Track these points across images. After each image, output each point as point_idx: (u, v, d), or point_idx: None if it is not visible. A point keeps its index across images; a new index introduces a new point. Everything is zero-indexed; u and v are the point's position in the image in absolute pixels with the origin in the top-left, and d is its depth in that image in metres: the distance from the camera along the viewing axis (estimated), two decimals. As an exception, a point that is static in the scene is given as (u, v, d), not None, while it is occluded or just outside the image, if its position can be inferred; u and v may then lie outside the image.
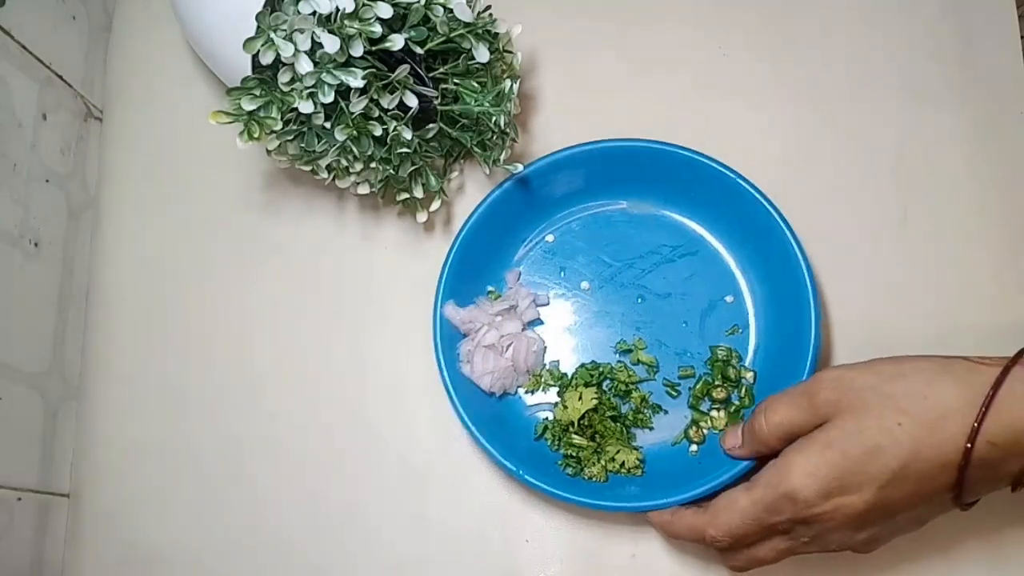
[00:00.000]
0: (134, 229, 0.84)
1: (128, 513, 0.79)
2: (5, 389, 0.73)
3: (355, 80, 0.67)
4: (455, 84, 0.72)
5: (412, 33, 0.69)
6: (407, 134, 0.70)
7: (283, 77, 0.68)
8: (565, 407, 0.73)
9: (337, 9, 0.66)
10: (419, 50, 0.69)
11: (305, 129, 0.71)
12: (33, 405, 0.77)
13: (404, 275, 0.80)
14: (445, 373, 0.72)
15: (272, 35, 0.66)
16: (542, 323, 0.77)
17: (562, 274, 0.78)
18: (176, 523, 0.78)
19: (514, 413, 0.75)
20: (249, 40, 0.66)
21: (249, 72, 0.70)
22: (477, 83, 0.73)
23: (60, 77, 0.81)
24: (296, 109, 0.68)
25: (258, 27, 0.67)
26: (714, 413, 0.73)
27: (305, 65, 0.67)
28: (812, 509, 0.60)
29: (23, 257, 0.76)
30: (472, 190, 0.80)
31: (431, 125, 0.73)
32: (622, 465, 0.71)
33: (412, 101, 0.70)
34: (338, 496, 0.77)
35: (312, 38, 0.66)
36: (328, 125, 0.70)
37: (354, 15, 0.66)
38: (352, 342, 0.80)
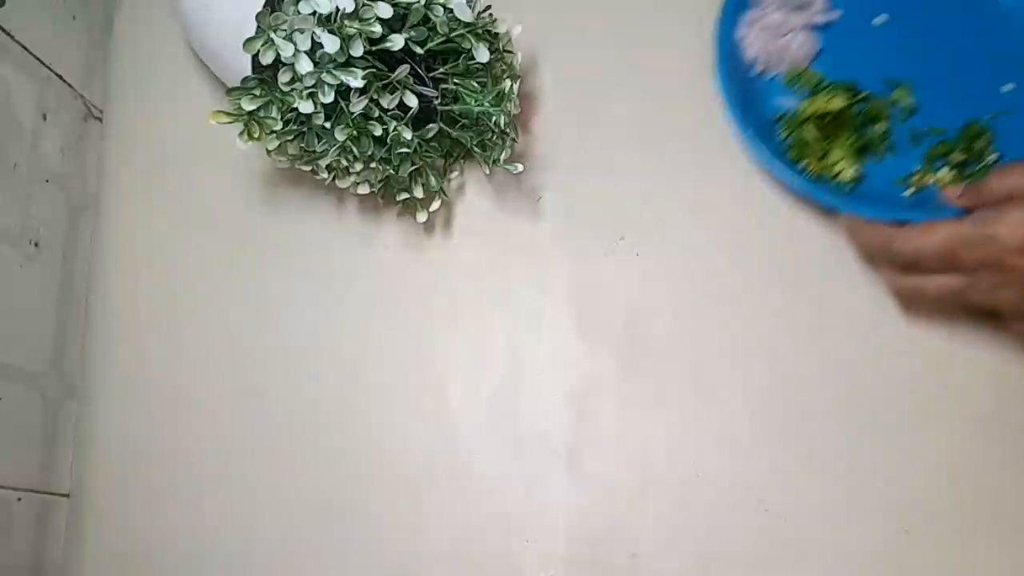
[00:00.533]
0: (134, 229, 0.85)
1: (128, 513, 0.79)
2: (5, 389, 0.74)
3: (355, 80, 0.67)
4: (455, 84, 0.72)
5: (412, 33, 0.69)
6: (407, 134, 0.71)
7: (283, 77, 0.68)
8: (812, 101, 0.75)
9: (337, 9, 0.66)
10: (419, 50, 0.70)
11: (305, 129, 0.71)
12: (33, 405, 0.77)
13: (404, 276, 0.80)
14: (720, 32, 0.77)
15: (272, 35, 0.67)
16: (824, 31, 0.79)
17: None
18: (176, 523, 0.79)
19: (763, 93, 0.78)
20: (249, 40, 0.67)
21: (249, 72, 0.70)
22: (477, 83, 0.73)
23: (60, 77, 0.82)
24: (296, 109, 0.69)
25: (258, 27, 0.67)
26: (944, 171, 0.73)
27: (305, 65, 0.67)
28: (1007, 258, 0.61)
29: (23, 257, 0.77)
30: (472, 190, 0.81)
31: (431, 125, 0.74)
32: (838, 174, 0.74)
33: (412, 101, 0.70)
34: (336, 496, 0.77)
35: (312, 38, 0.67)
36: (328, 125, 0.70)
37: (354, 15, 0.67)
38: (351, 342, 0.80)
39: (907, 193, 0.74)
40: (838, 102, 0.74)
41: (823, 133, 0.74)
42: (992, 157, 0.73)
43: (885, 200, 0.73)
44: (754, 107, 0.76)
